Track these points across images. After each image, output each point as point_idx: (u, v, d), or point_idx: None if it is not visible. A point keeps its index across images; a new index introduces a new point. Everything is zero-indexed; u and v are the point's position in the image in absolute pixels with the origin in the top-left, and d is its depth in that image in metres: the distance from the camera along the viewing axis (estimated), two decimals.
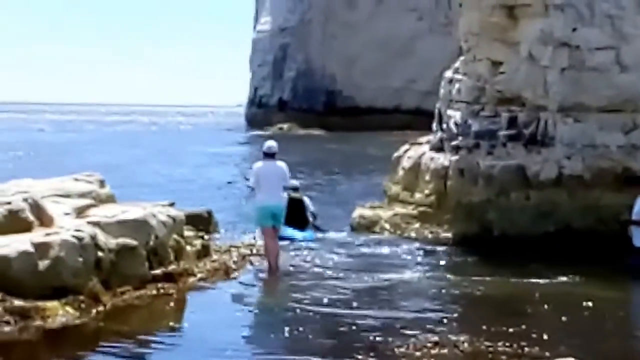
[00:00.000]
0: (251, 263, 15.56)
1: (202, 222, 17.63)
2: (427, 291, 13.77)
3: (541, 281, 14.34)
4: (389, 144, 29.96)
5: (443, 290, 13.77)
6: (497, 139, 18.06)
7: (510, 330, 11.09)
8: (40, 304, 11.03)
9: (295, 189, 19.06)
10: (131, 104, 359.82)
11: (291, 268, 15.35)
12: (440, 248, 17.41)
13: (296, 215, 18.62)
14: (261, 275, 14.99)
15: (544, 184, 17.37)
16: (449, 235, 18.12)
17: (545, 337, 10.81)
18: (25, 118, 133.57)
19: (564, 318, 11.97)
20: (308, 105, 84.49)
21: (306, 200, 19.61)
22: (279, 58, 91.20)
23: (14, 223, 12.09)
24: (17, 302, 10.86)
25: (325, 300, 12.78)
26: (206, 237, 16.24)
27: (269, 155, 15.51)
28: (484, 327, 11.17)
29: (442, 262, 16.25)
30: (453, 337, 10.64)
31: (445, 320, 11.77)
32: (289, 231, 18.04)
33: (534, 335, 10.84)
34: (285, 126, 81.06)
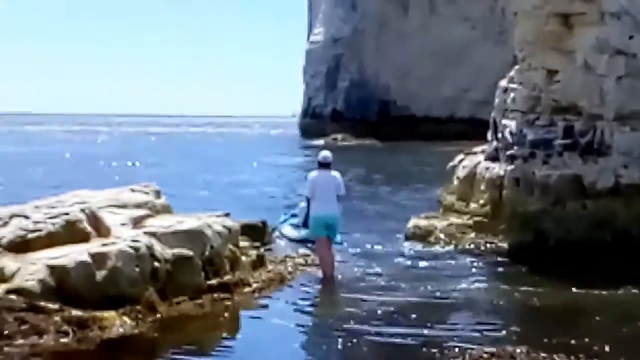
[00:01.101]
0: (307, 273, 15.57)
1: (257, 233, 17.69)
2: (483, 302, 13.67)
3: (599, 292, 14.14)
4: (443, 154, 29.86)
5: (499, 301, 13.65)
6: (553, 148, 17.88)
7: (569, 342, 10.95)
8: (97, 314, 11.10)
9: None
10: (186, 115, 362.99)
11: (346, 278, 15.31)
12: (495, 258, 17.28)
13: None
14: (316, 285, 14.98)
15: (601, 193, 17.16)
16: (505, 245, 17.98)
17: (606, 349, 10.66)
18: (81, 130, 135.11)
19: (624, 330, 11.81)
20: (361, 115, 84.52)
21: None
22: (333, 68, 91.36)
23: (72, 233, 12.22)
24: (75, 312, 10.95)
25: (380, 312, 12.74)
26: (261, 247, 16.30)
27: (324, 165, 15.52)
28: (542, 339, 11.05)
29: (498, 272, 16.13)
30: (510, 348, 10.53)
31: (502, 331, 11.67)
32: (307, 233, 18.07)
33: (595, 348, 10.69)
34: (339, 136, 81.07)
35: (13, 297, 10.73)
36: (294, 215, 20.84)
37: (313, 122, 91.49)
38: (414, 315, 12.46)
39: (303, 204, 18.84)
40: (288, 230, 19.95)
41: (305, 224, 18.55)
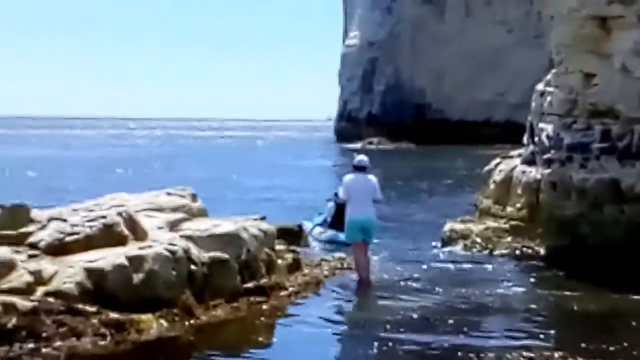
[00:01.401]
0: (342, 277, 15.57)
1: (293, 236, 17.73)
2: (519, 306, 13.59)
3: (636, 297, 14.00)
4: (479, 158, 29.77)
5: (536, 306, 13.56)
6: (590, 152, 17.77)
7: (607, 347, 10.87)
8: (134, 316, 11.15)
9: None
10: (221, 119, 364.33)
11: (382, 282, 15.30)
12: (532, 262, 17.20)
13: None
14: (351, 289, 14.96)
15: (638, 197, 17.03)
16: (541, 249, 17.90)
17: None
18: (118, 134, 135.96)
19: None
20: (397, 119, 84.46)
21: None
22: (368, 72, 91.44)
23: (109, 237, 12.30)
24: (113, 315, 11.01)
25: (415, 316, 12.70)
26: (297, 250, 16.32)
27: (360, 169, 15.51)
28: (580, 344, 10.98)
29: (535, 277, 16.03)
30: (547, 353, 10.49)
31: (540, 336, 11.60)
32: (341, 235, 18.23)
33: (634, 353, 10.61)
34: (374, 140, 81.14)
35: (51, 299, 10.81)
36: (320, 214, 21.18)
37: (348, 126, 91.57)
38: (450, 320, 12.40)
39: (330, 204, 19.99)
40: (316, 231, 20.13)
41: (331, 225, 19.73)
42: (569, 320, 13.12)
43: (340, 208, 18.82)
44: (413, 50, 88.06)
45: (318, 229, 20.32)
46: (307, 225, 20.34)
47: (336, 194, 18.96)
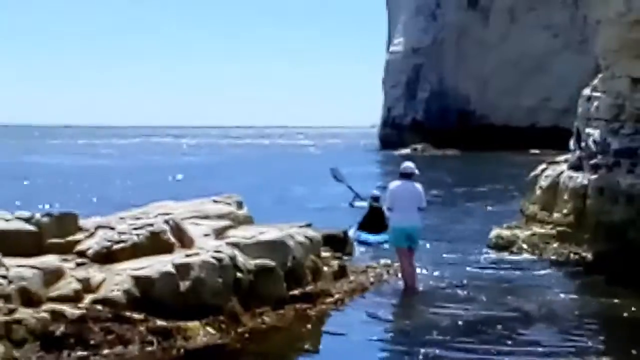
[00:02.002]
0: (388, 284, 15.53)
1: (339, 243, 17.72)
2: (566, 313, 13.47)
3: None
4: (525, 163, 29.56)
5: (583, 312, 13.45)
6: (638, 157, 17.61)
7: None
8: (181, 324, 11.19)
9: (377, 199, 20.83)
10: (265, 126, 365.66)
11: (428, 289, 15.25)
12: (579, 268, 17.07)
13: (376, 222, 20.07)
14: (397, 296, 14.93)
15: None
16: (589, 255, 17.76)
17: None
18: (167, 142, 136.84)
19: None
20: (442, 125, 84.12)
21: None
22: (412, 78, 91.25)
23: (156, 244, 12.37)
24: (160, 322, 11.06)
25: (461, 323, 12.64)
26: (343, 257, 16.32)
27: (406, 176, 15.46)
28: (629, 351, 10.87)
29: (582, 283, 15.91)
30: None
31: (588, 342, 11.51)
32: (363, 235, 19.99)
33: None
34: (419, 146, 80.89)
35: (99, 307, 10.88)
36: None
37: (393, 133, 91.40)
38: (496, 328, 12.33)
39: (363, 204, 20.99)
40: (351, 233, 20.10)
41: (361, 227, 20.41)
42: (617, 326, 12.99)
43: (373, 211, 20.47)
44: (457, 56, 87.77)
45: (351, 232, 20.27)
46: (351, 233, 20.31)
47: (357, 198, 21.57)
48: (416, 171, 15.57)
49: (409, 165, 15.63)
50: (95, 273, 11.51)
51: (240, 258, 12.63)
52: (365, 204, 21.14)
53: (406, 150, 77.71)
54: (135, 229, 12.54)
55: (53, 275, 11.14)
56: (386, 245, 18.01)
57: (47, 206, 23.83)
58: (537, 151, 60.44)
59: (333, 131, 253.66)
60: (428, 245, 18.94)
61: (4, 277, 10.67)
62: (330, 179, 29.15)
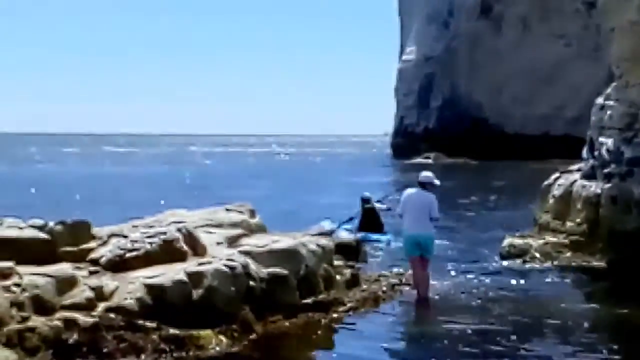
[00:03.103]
0: (401, 292, 15.50)
1: (351, 252, 17.71)
2: (580, 322, 13.41)
3: None
4: (538, 172, 29.48)
5: (597, 321, 13.43)
6: None
7: None
8: (194, 332, 11.20)
9: (368, 201, 21.91)
10: (277, 134, 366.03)
11: (440, 298, 15.21)
12: (593, 277, 17.01)
13: (372, 222, 21.35)
14: (410, 305, 14.90)
15: None
16: (602, 264, 17.71)
17: None
18: (176, 151, 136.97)
19: None
20: (454, 134, 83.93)
21: (377, 208, 22.31)
22: (425, 87, 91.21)
23: (169, 252, 12.38)
24: (172, 331, 11.07)
25: (474, 333, 12.60)
26: (356, 266, 16.30)
27: (422, 185, 15.42)
28: None
29: (596, 292, 15.86)
30: None
31: (603, 351, 11.47)
32: (365, 235, 20.65)
33: None
34: (431, 155, 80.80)
35: (112, 315, 10.90)
36: (350, 220, 22.30)
37: (405, 141, 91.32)
38: (509, 337, 12.29)
39: (357, 210, 21.62)
40: (344, 234, 20.25)
41: (360, 227, 21.21)
42: (630, 335, 12.93)
43: (366, 212, 21.57)
44: (470, 65, 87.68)
45: (344, 233, 20.56)
46: (327, 226, 20.84)
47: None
48: (435, 181, 15.52)
49: (427, 174, 15.57)
50: (108, 281, 11.52)
51: (253, 266, 12.63)
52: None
53: (418, 159, 77.67)
54: (148, 237, 12.56)
55: (66, 284, 11.16)
56: (383, 240, 19.62)
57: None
58: (550, 160, 60.27)
59: (346, 140, 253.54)
60: (441, 254, 18.89)
61: (18, 285, 10.70)
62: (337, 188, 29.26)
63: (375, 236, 20.73)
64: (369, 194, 22.43)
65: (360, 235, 20.44)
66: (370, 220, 21.36)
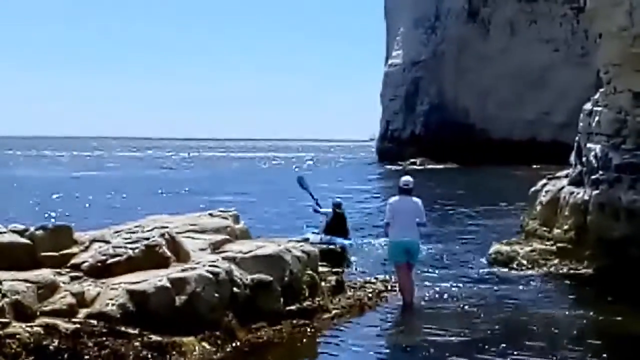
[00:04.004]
0: (386, 300, 15.38)
1: (336, 258, 17.61)
2: (566, 329, 13.35)
3: None
4: (525, 178, 29.49)
5: (583, 329, 13.34)
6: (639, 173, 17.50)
7: None
8: (177, 339, 11.05)
9: (339, 206, 22.15)
10: (259, 139, 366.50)
11: (426, 304, 15.11)
12: (580, 285, 16.94)
13: (340, 227, 21.58)
14: (395, 311, 14.79)
15: None
16: (590, 271, 17.63)
17: None
18: (159, 156, 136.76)
19: None
20: (441, 139, 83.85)
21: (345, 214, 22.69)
22: (411, 92, 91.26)
23: (152, 258, 12.22)
24: (155, 338, 10.92)
25: (461, 339, 12.51)
26: (341, 272, 16.17)
27: (405, 191, 15.31)
28: None
29: (582, 300, 15.77)
30: None
31: (591, 359, 11.36)
32: (330, 238, 20.70)
33: None
34: (417, 160, 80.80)
35: (93, 321, 10.75)
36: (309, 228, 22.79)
37: (391, 146, 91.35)
38: (495, 344, 12.18)
39: (325, 210, 22.24)
40: (311, 237, 20.50)
41: (326, 231, 21.38)
42: (618, 343, 12.85)
43: (336, 216, 21.86)
44: (457, 70, 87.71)
45: (311, 235, 20.92)
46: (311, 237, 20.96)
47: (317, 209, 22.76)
48: (410, 184, 15.39)
49: (407, 179, 15.48)
50: (89, 287, 11.38)
51: (237, 272, 12.49)
52: (326, 210, 22.52)
53: (405, 164, 77.70)
54: (130, 242, 12.41)
55: (47, 289, 11.01)
56: (346, 245, 20.02)
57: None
58: (537, 166, 60.30)
59: (331, 144, 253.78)
60: (427, 260, 18.81)
61: None
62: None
63: (339, 240, 20.95)
64: (340, 200, 22.87)
65: (326, 237, 20.78)
66: (338, 225, 21.74)
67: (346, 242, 21.19)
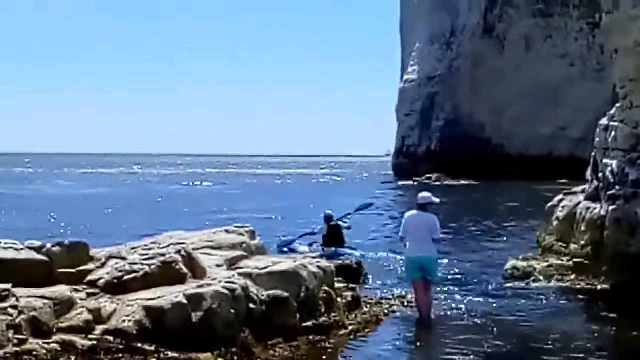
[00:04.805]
0: (402, 315, 15.35)
1: (352, 273, 17.59)
2: (584, 344, 13.25)
3: None
4: (541, 193, 29.41)
5: (602, 345, 13.26)
6: None
7: None
8: (193, 355, 11.05)
9: (331, 218, 23.23)
10: (280, 154, 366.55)
11: (442, 319, 15.06)
12: (596, 300, 16.84)
13: (337, 237, 22.73)
14: (412, 327, 14.76)
15: None
16: (606, 287, 17.54)
17: None
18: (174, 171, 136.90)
19: None
20: (456, 154, 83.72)
21: (341, 224, 23.70)
22: (427, 107, 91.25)
23: (168, 274, 12.24)
24: (171, 354, 10.93)
25: (478, 355, 12.45)
26: (357, 288, 16.16)
27: (421, 206, 15.30)
28: None
29: (599, 315, 15.66)
30: None
31: None
32: (336, 250, 21.98)
33: None
34: (433, 175, 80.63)
35: (110, 338, 10.78)
36: (312, 234, 23.95)
37: (406, 162, 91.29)
38: (514, 358, 12.13)
39: (320, 226, 23.03)
40: (303, 248, 22.00)
41: (325, 243, 22.54)
42: (636, 358, 12.77)
43: (330, 228, 22.85)
44: (472, 85, 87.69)
45: (303, 247, 22.33)
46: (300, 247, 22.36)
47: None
48: (434, 199, 15.39)
49: (424, 195, 15.46)
50: (106, 303, 11.41)
51: (253, 288, 12.49)
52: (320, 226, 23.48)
53: (420, 180, 77.58)
54: (146, 258, 12.44)
55: (63, 306, 11.06)
56: (356, 255, 20.87)
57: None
58: (553, 181, 60.14)
59: (346, 159, 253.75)
60: (444, 276, 18.76)
61: (14, 307, 10.59)
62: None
63: (347, 251, 22.01)
64: (331, 212, 23.75)
65: (330, 250, 21.83)
66: (335, 236, 22.69)
67: (355, 252, 21.92)
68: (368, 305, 15.45)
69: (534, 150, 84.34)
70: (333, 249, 21.87)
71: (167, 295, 11.54)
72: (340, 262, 17.77)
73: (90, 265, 12.46)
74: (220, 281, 12.22)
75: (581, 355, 12.64)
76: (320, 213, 25.07)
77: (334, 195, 61.66)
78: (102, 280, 12.00)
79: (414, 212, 15.38)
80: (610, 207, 18.00)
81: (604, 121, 19.65)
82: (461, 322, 14.88)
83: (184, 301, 11.45)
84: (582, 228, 18.83)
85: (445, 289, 17.80)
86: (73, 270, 12.19)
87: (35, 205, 47.13)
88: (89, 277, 12.15)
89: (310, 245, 23.17)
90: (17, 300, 10.70)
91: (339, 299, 14.51)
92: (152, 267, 12.24)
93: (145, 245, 13.54)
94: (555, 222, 20.11)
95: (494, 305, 16.39)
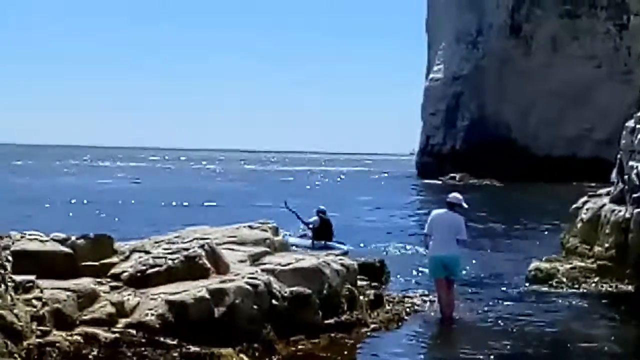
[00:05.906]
0: (424, 314, 15.33)
1: (375, 272, 17.57)
2: (608, 348, 13.18)
3: None
4: (566, 195, 29.24)
5: (627, 349, 13.18)
6: None
7: None
8: (215, 350, 11.05)
9: (324, 212, 23.50)
10: (305, 151, 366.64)
11: (465, 320, 15.03)
12: (621, 303, 16.76)
13: (328, 232, 23.03)
14: (434, 326, 14.73)
15: None
16: (631, 289, 17.46)
17: None
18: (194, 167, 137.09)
19: None
20: (481, 155, 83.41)
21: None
22: (452, 106, 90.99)
23: (191, 269, 12.28)
24: (193, 348, 10.94)
25: (499, 356, 12.40)
26: (379, 286, 16.15)
27: (451, 206, 15.28)
28: None
29: (623, 319, 15.60)
30: None
31: None
32: (325, 243, 22.26)
33: None
34: (457, 175, 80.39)
35: (133, 331, 10.81)
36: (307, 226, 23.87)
37: (431, 161, 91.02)
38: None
39: (314, 218, 23.13)
40: (293, 240, 21.95)
41: (315, 237, 22.75)
42: None
43: (322, 222, 23.07)
44: (498, 85, 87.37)
45: (297, 239, 22.58)
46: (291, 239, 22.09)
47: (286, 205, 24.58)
48: (464, 204, 15.37)
49: (456, 195, 15.46)
50: (129, 297, 11.46)
51: (276, 285, 12.50)
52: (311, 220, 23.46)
53: (442, 179, 77.44)
54: (170, 253, 12.48)
55: (87, 298, 11.11)
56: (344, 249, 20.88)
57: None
58: (578, 183, 59.87)
59: (371, 158, 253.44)
60: (467, 277, 18.72)
61: (39, 299, 10.63)
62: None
63: (335, 245, 22.35)
64: (324, 207, 24.17)
65: (320, 243, 22.26)
66: (327, 231, 23.09)
67: (343, 247, 22.37)
68: (390, 304, 15.43)
69: (559, 151, 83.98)
70: (323, 242, 22.45)
71: (190, 290, 11.56)
72: (363, 260, 17.73)
73: (114, 259, 12.53)
74: (243, 277, 12.24)
75: (605, 358, 12.58)
76: (344, 212, 25.35)
77: (357, 193, 61.65)
78: (125, 274, 12.06)
79: (441, 210, 15.38)
80: (636, 210, 17.90)
81: (630, 123, 19.56)
82: (483, 323, 14.83)
83: (207, 296, 11.47)
84: (607, 231, 18.74)
85: (469, 289, 17.76)
86: (97, 263, 12.27)
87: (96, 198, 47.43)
88: (113, 271, 12.21)
89: (301, 237, 23.64)
90: (41, 292, 10.76)
91: (361, 297, 14.51)
92: (176, 261, 12.28)
93: (169, 239, 13.59)
94: (579, 225, 20.02)
95: (516, 307, 16.33)
